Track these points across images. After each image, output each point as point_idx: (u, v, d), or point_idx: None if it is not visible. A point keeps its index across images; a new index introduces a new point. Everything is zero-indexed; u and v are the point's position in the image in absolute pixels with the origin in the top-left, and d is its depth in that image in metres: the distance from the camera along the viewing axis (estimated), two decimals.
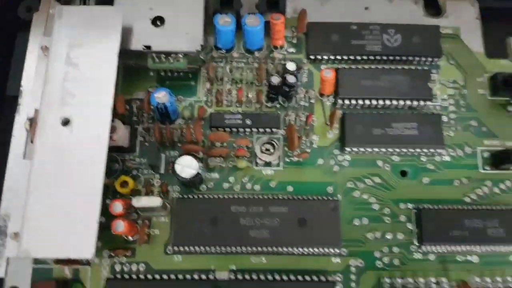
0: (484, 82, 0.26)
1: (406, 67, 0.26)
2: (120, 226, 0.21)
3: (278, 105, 0.25)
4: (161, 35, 0.24)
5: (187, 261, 0.23)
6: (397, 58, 0.26)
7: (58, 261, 0.22)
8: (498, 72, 0.26)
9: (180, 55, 0.24)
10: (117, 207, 0.21)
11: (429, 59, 0.26)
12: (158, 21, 0.24)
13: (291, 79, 0.23)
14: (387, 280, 0.23)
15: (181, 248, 0.22)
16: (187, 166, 0.22)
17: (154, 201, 0.21)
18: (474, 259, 0.23)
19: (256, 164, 0.24)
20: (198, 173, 0.22)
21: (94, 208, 0.20)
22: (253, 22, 0.24)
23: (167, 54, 0.24)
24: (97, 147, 0.20)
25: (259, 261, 0.23)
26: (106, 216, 0.22)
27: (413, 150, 0.24)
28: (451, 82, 0.26)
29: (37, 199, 0.20)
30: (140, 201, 0.21)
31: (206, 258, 0.23)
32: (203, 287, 0.22)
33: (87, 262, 0.22)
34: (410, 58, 0.26)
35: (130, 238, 0.23)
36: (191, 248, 0.22)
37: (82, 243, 0.19)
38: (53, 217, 0.19)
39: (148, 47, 0.23)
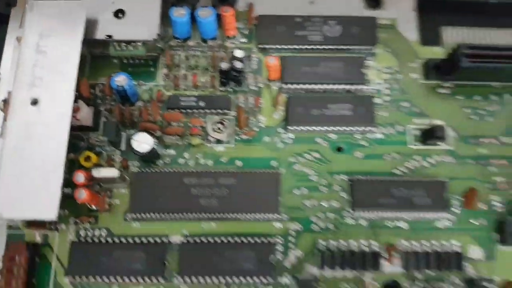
0: (417, 67, 0.29)
1: (344, 55, 0.29)
2: (82, 194, 0.23)
3: (230, 89, 0.28)
4: (122, 25, 0.26)
5: (144, 227, 0.26)
6: (337, 47, 0.29)
7: (29, 226, 0.25)
8: (430, 58, 0.29)
9: (139, 44, 0.27)
10: (80, 177, 0.24)
11: (365, 47, 0.29)
12: (119, 13, 0.27)
13: (238, 64, 0.26)
14: (322, 242, 0.26)
15: (139, 215, 0.25)
16: (143, 142, 0.25)
17: (112, 172, 0.24)
18: (403, 225, 0.26)
19: (209, 141, 0.27)
20: (153, 148, 0.25)
21: (58, 175, 0.22)
22: (205, 14, 0.27)
23: (128, 42, 0.27)
24: (61, 123, 0.23)
25: (209, 227, 0.26)
26: (72, 188, 0.25)
27: (347, 128, 0.27)
28: (386, 68, 0.29)
29: (9, 169, 0.23)
30: (100, 172, 0.24)
31: (161, 224, 0.26)
32: (158, 249, 0.25)
33: (55, 228, 0.25)
34: (348, 47, 0.29)
35: (93, 207, 0.25)
36: (147, 215, 0.25)
37: (47, 206, 0.22)
38: (22, 185, 0.22)
39: (110, 36, 0.26)
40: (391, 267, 0.25)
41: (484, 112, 0.28)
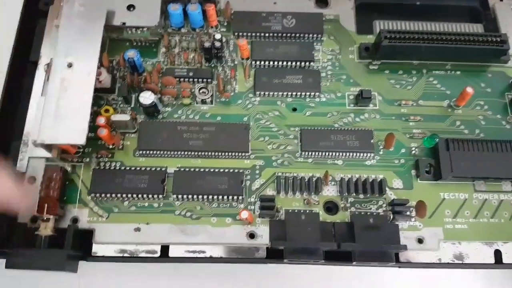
0: (353, 50, 0.37)
1: (297, 40, 0.37)
2: (102, 131, 0.31)
3: (213, 64, 0.36)
4: (132, 16, 0.35)
5: (149, 161, 0.33)
6: (292, 35, 0.37)
7: (62, 158, 0.33)
8: (363, 42, 0.38)
9: (145, 29, 0.35)
10: (101, 120, 0.32)
11: (314, 35, 0.37)
12: (131, 7, 0.35)
13: (217, 43, 0.35)
14: (280, 174, 0.33)
15: (144, 152, 0.33)
16: (147, 97, 0.33)
17: (124, 116, 0.32)
18: (339, 162, 0.34)
19: (196, 102, 0.35)
20: (154, 102, 0.33)
21: (86, 112, 0.31)
22: (194, 8, 0.36)
23: (137, 28, 0.35)
24: (89, 78, 0.31)
25: (196, 162, 0.34)
26: (95, 132, 0.33)
27: (299, 94, 0.35)
28: (330, 51, 0.37)
29: (49, 109, 0.31)
30: (116, 117, 0.32)
31: (161, 160, 0.33)
32: (158, 175, 0.32)
33: (82, 160, 0.33)
34: (301, 35, 0.37)
35: (111, 146, 0.33)
36: (151, 152, 0.33)
37: (78, 134, 0.30)
38: (60, 120, 0.30)
39: (124, 23, 0.35)
40: (329, 191, 0.33)
41: (405, 82, 0.37)
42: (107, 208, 0.32)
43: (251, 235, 0.32)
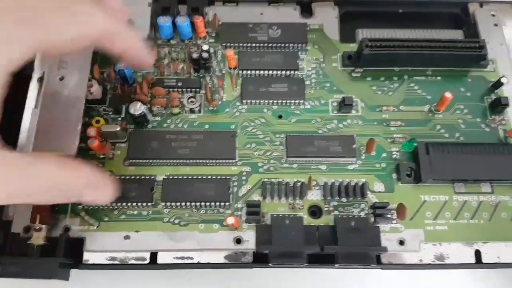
0: (337, 59, 0.38)
1: (282, 50, 0.38)
2: (93, 142, 0.32)
3: (201, 75, 0.37)
4: None
5: (138, 170, 0.34)
6: (278, 44, 0.38)
7: None
8: (346, 51, 0.38)
9: None
10: (92, 131, 0.32)
11: (299, 45, 0.38)
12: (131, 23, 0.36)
13: (204, 54, 0.35)
14: (266, 180, 0.34)
15: (134, 161, 0.34)
16: (136, 108, 0.34)
17: (114, 127, 0.33)
18: (323, 167, 0.35)
19: (185, 111, 0.36)
20: (143, 112, 0.33)
21: (77, 124, 0.31)
22: (182, 20, 0.36)
23: None
24: (80, 91, 0.32)
25: (185, 170, 0.34)
26: (86, 143, 0.33)
27: (285, 101, 0.36)
28: (314, 60, 0.38)
29: (42, 121, 0.31)
30: (106, 127, 0.33)
31: (150, 168, 0.34)
32: (147, 184, 0.33)
33: None
34: (286, 44, 0.38)
35: (101, 155, 0.34)
36: (140, 161, 0.34)
37: (69, 145, 0.30)
38: (52, 131, 0.31)
39: None
40: (314, 196, 0.34)
41: (387, 88, 0.37)
42: (97, 217, 0.33)
43: (238, 240, 0.32)
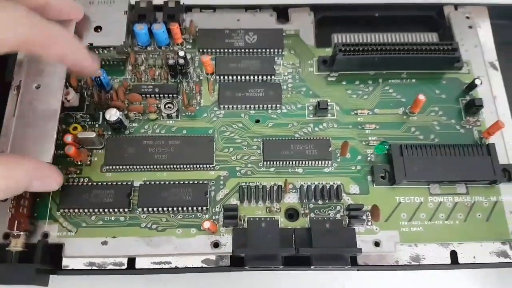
0: (313, 63, 0.38)
1: (259, 55, 0.38)
2: (70, 149, 0.32)
3: (178, 81, 0.37)
4: (99, 36, 0.36)
5: (115, 176, 0.34)
6: (254, 50, 0.38)
7: None
8: (321, 56, 0.38)
9: (111, 48, 0.36)
10: (68, 138, 0.32)
11: (275, 50, 0.38)
12: (98, 29, 0.36)
13: (180, 61, 0.35)
14: (243, 184, 0.34)
15: (111, 167, 0.34)
16: (113, 114, 0.33)
17: (90, 134, 0.33)
18: (299, 170, 0.35)
19: (162, 117, 0.36)
20: (119, 119, 0.33)
21: (53, 131, 0.31)
22: (158, 27, 0.36)
23: (103, 48, 0.36)
24: (56, 98, 0.32)
25: (162, 175, 0.34)
26: (63, 150, 0.33)
27: (262, 106, 0.36)
28: (291, 65, 0.38)
29: (18, 129, 0.31)
30: (82, 134, 0.33)
31: (127, 174, 0.34)
32: (124, 189, 0.33)
33: None
34: (263, 50, 0.38)
35: (79, 162, 0.34)
36: (117, 167, 0.34)
37: (44, 152, 0.30)
38: (27, 139, 0.31)
39: (91, 44, 0.35)
40: (290, 198, 0.34)
41: (361, 92, 0.38)
42: (75, 223, 0.32)
43: (216, 244, 0.32)
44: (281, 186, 0.33)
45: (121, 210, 0.32)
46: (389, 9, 0.42)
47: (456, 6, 0.41)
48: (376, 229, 0.33)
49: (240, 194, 0.33)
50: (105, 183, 0.33)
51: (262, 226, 0.31)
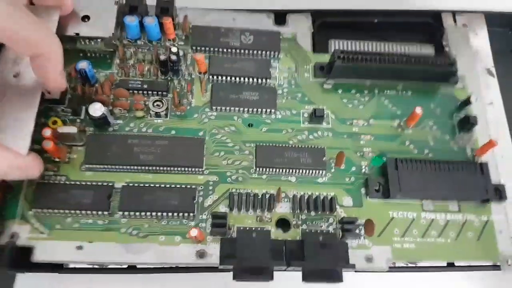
0: (309, 69, 0.37)
1: (255, 57, 0.36)
2: (48, 143, 0.29)
3: (169, 78, 0.35)
4: (86, 26, 0.33)
5: (96, 176, 0.31)
6: (250, 51, 0.36)
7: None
8: (318, 62, 0.37)
9: (99, 40, 0.33)
10: (47, 132, 0.29)
11: (272, 52, 0.36)
12: (86, 18, 0.33)
13: (173, 56, 0.33)
14: (234, 190, 0.32)
15: (91, 166, 0.31)
16: (97, 109, 0.31)
17: (72, 128, 0.30)
18: (293, 179, 0.33)
19: (150, 115, 0.34)
20: (104, 114, 0.31)
21: (30, 124, 0.28)
22: (150, 21, 0.34)
23: (90, 38, 0.33)
24: (35, 88, 0.29)
25: (147, 177, 0.32)
26: (41, 145, 0.30)
27: (256, 110, 0.34)
28: (287, 69, 0.37)
29: None
30: (63, 129, 0.30)
31: (109, 174, 0.31)
32: (104, 190, 0.30)
33: None
34: (259, 51, 0.36)
35: (57, 159, 0.31)
36: (98, 166, 0.31)
37: (20, 146, 0.27)
38: (2, 132, 0.28)
39: (78, 34, 0.33)
40: (282, 208, 0.32)
41: (357, 102, 0.36)
42: (49, 224, 0.29)
43: (201, 254, 0.30)
44: (273, 194, 0.32)
45: (100, 212, 0.30)
46: (388, 16, 0.41)
47: (454, 13, 0.41)
48: (369, 244, 0.32)
49: (230, 201, 0.31)
50: (84, 183, 0.30)
51: (253, 237, 0.29)
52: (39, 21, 0.26)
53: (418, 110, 0.34)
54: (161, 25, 0.35)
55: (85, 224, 0.30)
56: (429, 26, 0.41)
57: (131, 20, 0.34)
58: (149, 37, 0.35)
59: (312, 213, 0.32)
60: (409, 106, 0.36)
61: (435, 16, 0.41)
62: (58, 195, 0.29)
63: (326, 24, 0.40)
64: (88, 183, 0.30)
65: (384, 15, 0.41)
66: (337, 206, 0.32)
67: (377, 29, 0.41)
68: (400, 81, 0.37)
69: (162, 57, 0.33)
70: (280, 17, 0.39)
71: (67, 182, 0.30)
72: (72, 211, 0.29)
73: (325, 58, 0.37)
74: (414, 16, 0.41)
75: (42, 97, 0.30)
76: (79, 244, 0.29)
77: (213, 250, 0.30)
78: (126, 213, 0.30)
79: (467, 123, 0.36)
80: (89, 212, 0.30)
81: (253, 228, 0.30)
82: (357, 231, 0.31)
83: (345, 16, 0.40)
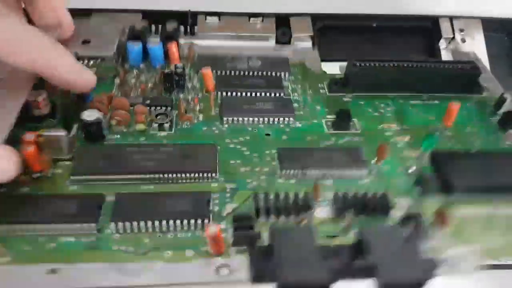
0: (324, 86, 0.34)
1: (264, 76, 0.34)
2: (29, 148, 0.23)
3: (174, 95, 0.31)
4: (88, 48, 0.32)
5: (84, 189, 0.25)
6: (259, 73, 0.34)
7: None
8: (332, 77, 0.34)
9: (98, 60, 0.31)
10: (30, 135, 0.24)
11: (281, 73, 0.34)
12: (86, 42, 0.32)
13: (179, 70, 0.30)
14: (259, 194, 0.25)
15: (80, 177, 0.25)
16: (91, 114, 0.26)
17: (60, 131, 0.25)
18: (328, 182, 0.27)
19: (153, 129, 0.29)
20: (99, 119, 0.26)
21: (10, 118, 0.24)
22: (155, 43, 0.33)
23: (90, 58, 0.31)
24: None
25: (148, 189, 0.25)
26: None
27: (272, 119, 0.30)
28: (299, 87, 0.34)
29: None
30: (49, 131, 0.25)
31: (100, 187, 0.25)
32: (91, 200, 0.23)
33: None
34: (268, 73, 0.34)
35: (37, 174, 0.25)
36: (87, 177, 0.25)
37: None
38: None
39: (77, 53, 0.31)
40: (323, 212, 0.25)
41: (383, 110, 0.32)
42: (12, 246, 0.22)
43: (222, 270, 0.21)
44: (309, 194, 0.25)
45: (85, 225, 0.22)
46: (386, 20, 0.41)
47: (451, 18, 0.41)
48: (444, 245, 0.23)
49: (256, 204, 0.24)
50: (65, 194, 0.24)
51: (293, 237, 0.21)
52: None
53: (454, 105, 0.31)
54: (164, 52, 0.33)
55: (64, 242, 0.22)
56: (426, 30, 0.41)
57: (135, 45, 0.32)
58: (152, 62, 0.33)
59: (363, 215, 0.24)
60: (440, 111, 0.32)
61: (433, 21, 0.41)
62: (30, 207, 0.22)
63: (326, 29, 0.39)
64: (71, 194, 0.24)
65: (383, 19, 0.40)
66: (391, 207, 0.25)
67: (375, 33, 0.40)
68: (423, 93, 0.34)
69: (167, 71, 0.30)
70: (281, 20, 0.38)
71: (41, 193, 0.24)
72: (47, 226, 0.22)
73: (335, 68, 0.35)
74: (412, 21, 0.41)
75: (28, 111, 0.26)
76: (53, 267, 0.21)
77: (238, 265, 0.21)
78: (119, 223, 0.22)
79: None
80: (70, 226, 0.22)
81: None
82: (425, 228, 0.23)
83: (344, 20, 0.40)
